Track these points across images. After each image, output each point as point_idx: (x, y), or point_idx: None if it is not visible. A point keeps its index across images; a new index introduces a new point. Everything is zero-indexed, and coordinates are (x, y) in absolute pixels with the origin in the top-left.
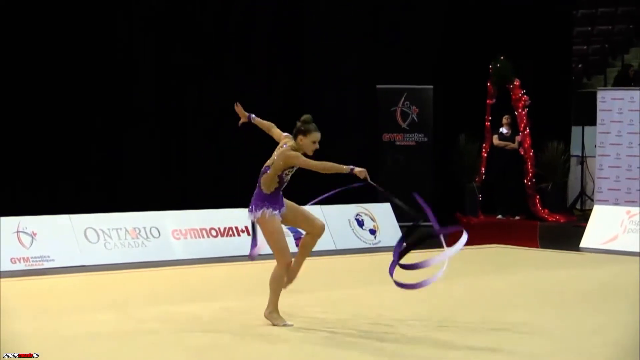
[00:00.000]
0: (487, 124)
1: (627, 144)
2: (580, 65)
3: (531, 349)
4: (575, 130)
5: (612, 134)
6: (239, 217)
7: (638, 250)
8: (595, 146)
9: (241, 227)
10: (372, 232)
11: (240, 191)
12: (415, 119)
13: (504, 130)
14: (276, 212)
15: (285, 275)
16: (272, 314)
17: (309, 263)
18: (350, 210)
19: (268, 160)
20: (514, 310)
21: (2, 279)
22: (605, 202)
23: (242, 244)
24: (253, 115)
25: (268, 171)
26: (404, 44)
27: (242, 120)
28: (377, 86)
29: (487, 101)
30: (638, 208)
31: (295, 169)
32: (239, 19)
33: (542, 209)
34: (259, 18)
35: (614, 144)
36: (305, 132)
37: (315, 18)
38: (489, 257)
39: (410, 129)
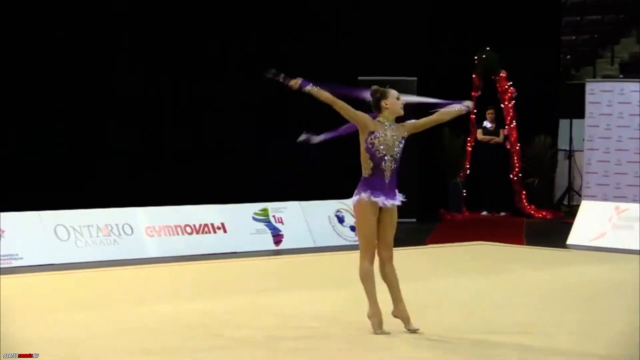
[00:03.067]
0: (472, 117)
1: (617, 138)
2: (568, 57)
3: (520, 353)
4: (563, 124)
5: (601, 127)
6: (214, 213)
7: (627, 248)
8: (584, 140)
9: (217, 223)
10: (353, 229)
11: (215, 187)
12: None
13: (487, 124)
14: (376, 198)
15: (371, 271)
16: (371, 318)
17: (286, 261)
18: (330, 206)
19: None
20: (499, 310)
21: None
22: (593, 197)
23: (217, 241)
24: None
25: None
26: (387, 35)
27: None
28: (359, 77)
29: (472, 93)
30: (627, 204)
31: (381, 136)
32: (216, 12)
33: (528, 204)
34: (238, 10)
35: (603, 137)
36: (385, 95)
37: (296, 9)
38: (473, 254)
39: None
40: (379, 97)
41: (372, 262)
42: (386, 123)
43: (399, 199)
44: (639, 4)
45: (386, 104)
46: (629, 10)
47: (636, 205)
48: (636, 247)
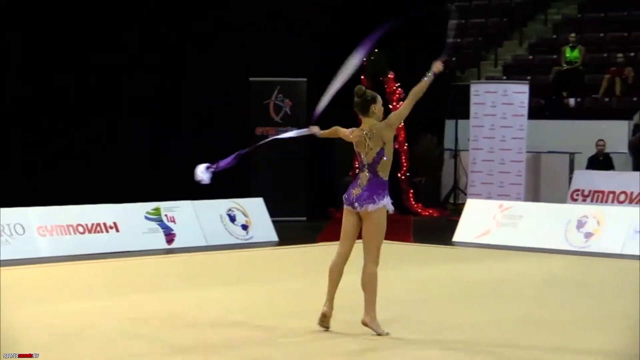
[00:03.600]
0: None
1: (500, 138)
2: (454, 59)
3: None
4: (449, 124)
5: (486, 127)
6: (106, 213)
7: (511, 244)
8: (469, 140)
9: (109, 223)
10: (244, 227)
11: (107, 187)
12: (289, 112)
13: None
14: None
15: None
16: (375, 321)
17: (178, 259)
18: (222, 205)
19: (364, 150)
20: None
21: None
22: (478, 196)
23: (110, 240)
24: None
25: (384, 154)
26: (278, 36)
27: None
28: (250, 79)
29: None
30: (511, 202)
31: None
32: (115, 11)
33: (415, 203)
34: (131, 8)
35: (487, 137)
36: (374, 99)
37: (188, 9)
38: (360, 252)
39: (284, 122)
40: (370, 100)
41: None
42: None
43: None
44: (521, 8)
45: (375, 108)
46: (511, 14)
47: (519, 203)
48: (520, 244)
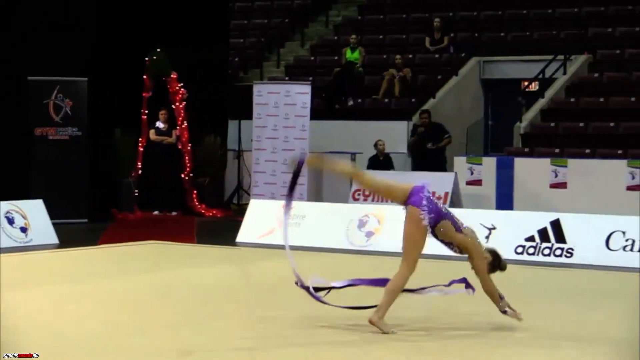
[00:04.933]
0: (144, 117)
1: (283, 138)
2: (237, 59)
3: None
4: (232, 124)
5: (269, 128)
6: None
7: (295, 244)
8: (252, 140)
9: None
10: (23, 230)
11: None
12: (69, 112)
13: (160, 124)
14: None
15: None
16: (382, 320)
17: None
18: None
19: None
20: (171, 306)
21: None
22: (261, 196)
23: None
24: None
25: None
26: (56, 34)
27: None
28: (29, 78)
29: (144, 94)
30: (293, 202)
31: None
32: None
33: (199, 203)
34: None
35: (270, 138)
36: None
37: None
38: (145, 254)
39: (64, 122)
40: None
41: None
42: None
43: None
44: (302, 9)
45: None
46: (293, 15)
47: (302, 203)
48: (303, 244)
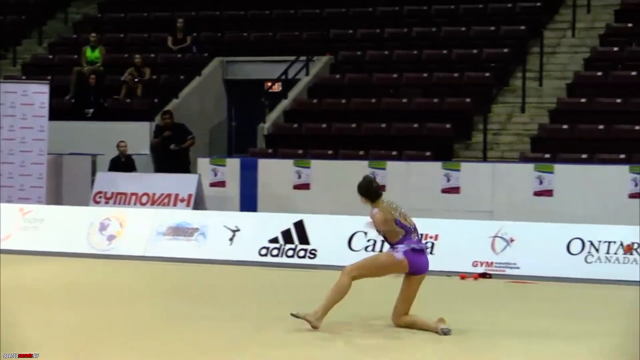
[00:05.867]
0: None
1: (20, 139)
2: None
3: None
4: None
5: (5, 128)
6: None
7: (34, 249)
8: None
9: None
10: None
11: None
12: None
13: None
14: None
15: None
16: (319, 319)
17: None
18: None
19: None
20: None
21: None
22: None
23: None
24: None
25: None
26: None
27: None
28: None
29: None
30: (32, 205)
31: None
32: None
33: None
34: None
35: (7, 139)
36: None
37: None
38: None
39: None
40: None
41: None
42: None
43: None
44: (39, 6)
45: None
46: (30, 12)
47: (40, 206)
48: (42, 249)
